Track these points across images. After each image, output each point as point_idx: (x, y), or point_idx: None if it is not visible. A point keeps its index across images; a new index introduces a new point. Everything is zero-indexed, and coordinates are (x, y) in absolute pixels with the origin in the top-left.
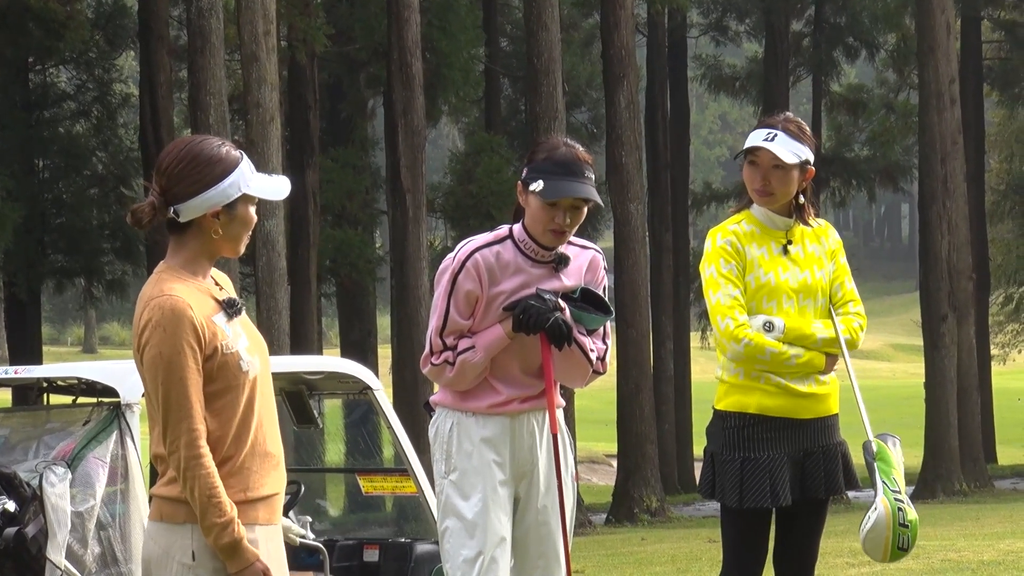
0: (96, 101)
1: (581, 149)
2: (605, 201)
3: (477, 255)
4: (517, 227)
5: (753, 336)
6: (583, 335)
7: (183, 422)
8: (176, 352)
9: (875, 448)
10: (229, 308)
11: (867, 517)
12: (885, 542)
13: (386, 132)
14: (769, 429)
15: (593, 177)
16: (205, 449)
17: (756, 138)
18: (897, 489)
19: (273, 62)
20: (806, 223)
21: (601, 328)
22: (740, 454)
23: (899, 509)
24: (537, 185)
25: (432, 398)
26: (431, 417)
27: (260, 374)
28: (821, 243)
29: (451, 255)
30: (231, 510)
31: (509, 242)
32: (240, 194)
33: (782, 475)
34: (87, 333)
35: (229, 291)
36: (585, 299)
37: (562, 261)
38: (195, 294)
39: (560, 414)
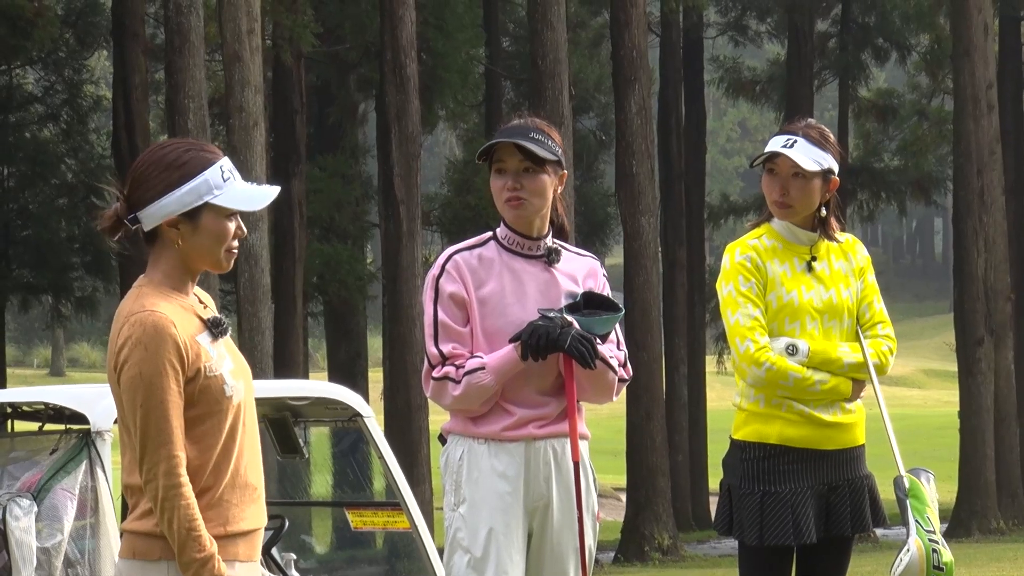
0: (66, 104)
1: (537, 119)
2: (614, 214)
3: (457, 256)
4: (500, 227)
5: (775, 360)
6: (599, 344)
7: (162, 448)
8: (157, 373)
9: (907, 484)
10: (214, 328)
11: (899, 559)
12: None
13: (378, 138)
14: (791, 461)
15: (548, 142)
16: (185, 479)
17: (774, 144)
18: (931, 529)
19: (257, 63)
20: (831, 238)
21: (613, 334)
22: (760, 487)
23: (933, 551)
24: (481, 149)
25: (444, 426)
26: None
27: (244, 400)
28: (848, 259)
29: (432, 265)
30: (211, 545)
31: (492, 243)
32: (202, 203)
33: (805, 510)
34: (54, 355)
35: (212, 310)
36: (588, 304)
37: (553, 254)
38: (178, 311)
39: (584, 446)
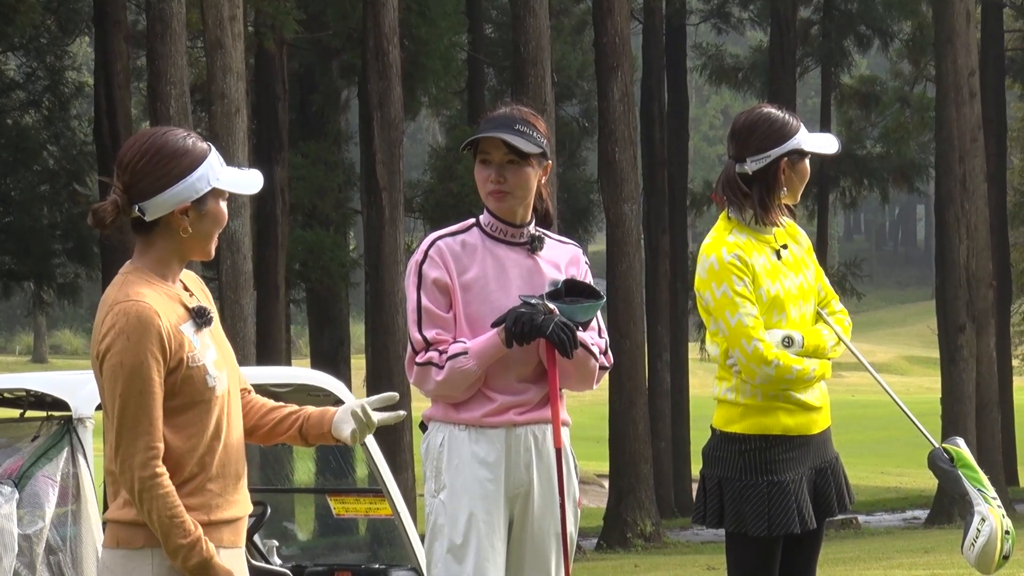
0: (47, 90)
1: (523, 108)
2: (597, 202)
3: (440, 242)
4: (483, 213)
5: (780, 355)
6: (581, 331)
7: (139, 439)
8: (139, 363)
9: (951, 456)
10: (199, 317)
11: (975, 530)
12: (995, 553)
13: (361, 125)
14: (788, 448)
15: (534, 134)
16: (161, 468)
17: (826, 139)
18: (995, 496)
19: (239, 49)
20: (790, 214)
21: (595, 321)
22: (764, 478)
23: (1003, 516)
24: (466, 141)
25: (425, 412)
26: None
27: (227, 390)
28: (799, 242)
29: (415, 251)
30: (196, 528)
31: (475, 229)
32: (210, 188)
33: (804, 496)
34: (37, 341)
35: (200, 297)
36: (570, 292)
37: (536, 241)
38: (163, 300)
39: (566, 433)
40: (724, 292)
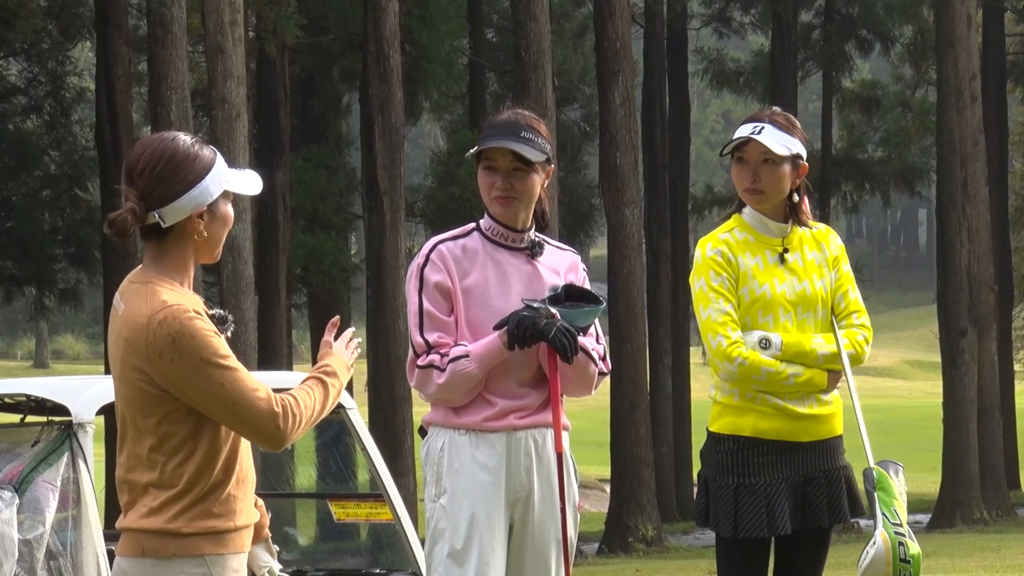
0: (49, 96)
1: (527, 113)
2: (598, 206)
3: (441, 246)
4: (484, 218)
5: (748, 354)
6: (581, 336)
7: (257, 402)
8: (214, 352)
9: (876, 476)
10: (220, 324)
11: (865, 551)
12: None
13: (362, 130)
14: (765, 453)
15: (539, 140)
16: (279, 399)
17: (742, 132)
18: (898, 522)
19: (240, 54)
20: (803, 224)
21: (593, 327)
22: (734, 479)
23: (900, 543)
24: (472, 150)
25: (425, 417)
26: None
27: None
28: (822, 250)
29: (416, 255)
30: (320, 384)
31: (475, 233)
32: (222, 191)
33: (780, 502)
34: (38, 346)
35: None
36: (569, 297)
37: (536, 247)
38: (198, 304)
39: (566, 437)
40: (701, 286)
